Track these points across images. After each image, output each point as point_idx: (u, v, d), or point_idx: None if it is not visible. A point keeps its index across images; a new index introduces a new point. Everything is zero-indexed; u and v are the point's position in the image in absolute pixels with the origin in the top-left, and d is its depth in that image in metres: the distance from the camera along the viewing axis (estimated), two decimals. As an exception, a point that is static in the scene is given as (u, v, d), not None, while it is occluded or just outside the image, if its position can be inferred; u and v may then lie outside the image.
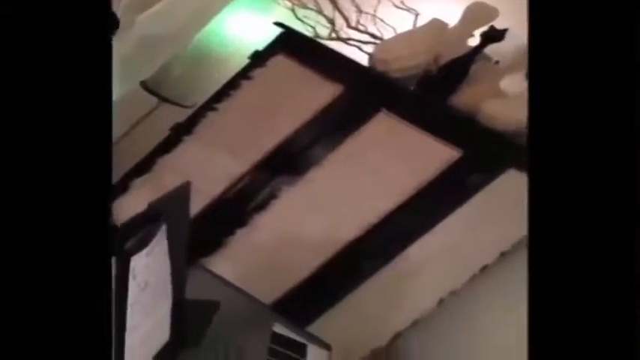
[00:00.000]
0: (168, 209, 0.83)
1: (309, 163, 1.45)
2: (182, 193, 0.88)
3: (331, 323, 1.49)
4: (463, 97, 1.47)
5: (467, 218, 1.47)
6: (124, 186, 1.47)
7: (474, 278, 1.53)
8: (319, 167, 1.45)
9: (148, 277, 0.78)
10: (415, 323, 1.67)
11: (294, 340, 1.19)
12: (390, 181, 1.44)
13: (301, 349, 1.19)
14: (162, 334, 0.89)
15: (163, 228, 0.81)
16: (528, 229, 0.54)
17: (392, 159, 1.42)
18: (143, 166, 1.49)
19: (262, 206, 1.45)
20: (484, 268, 1.50)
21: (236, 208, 1.46)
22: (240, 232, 1.46)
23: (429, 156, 1.40)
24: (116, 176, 1.52)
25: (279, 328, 1.20)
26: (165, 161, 1.48)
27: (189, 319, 0.95)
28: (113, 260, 0.71)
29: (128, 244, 0.72)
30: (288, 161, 1.46)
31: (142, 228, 0.76)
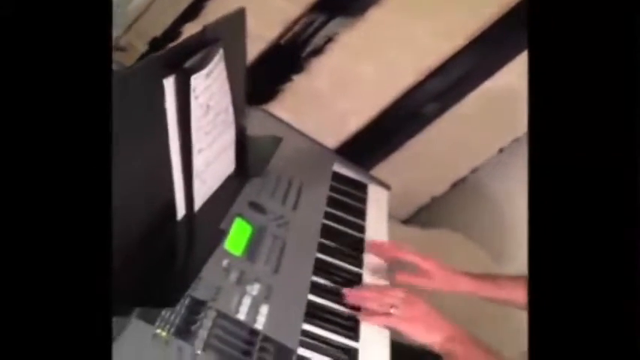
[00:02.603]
0: (224, 33, 0.80)
1: (367, 2, 1.36)
2: (237, 18, 0.85)
3: (391, 169, 1.49)
4: None
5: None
6: (174, 32, 1.44)
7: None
8: (378, 7, 1.36)
9: (209, 101, 0.77)
10: (474, 171, 1.66)
11: (355, 180, 1.20)
12: (453, 21, 1.34)
13: (362, 187, 1.20)
14: (227, 164, 0.91)
15: (221, 52, 0.79)
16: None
17: (457, -5, 1.31)
18: (193, 11, 1.44)
19: (319, 50, 1.40)
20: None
21: (292, 53, 1.41)
22: (297, 79, 1.42)
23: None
24: (166, 23, 1.48)
25: (340, 168, 1.21)
26: (216, 4, 1.42)
27: (252, 151, 0.96)
28: (172, 81, 0.70)
29: (187, 63, 0.71)
30: (345, 1, 1.37)
31: (199, 49, 0.74)
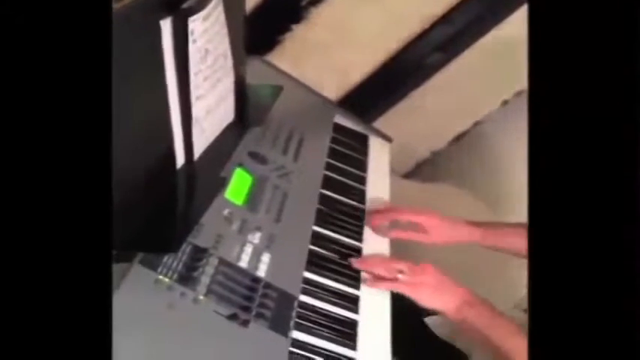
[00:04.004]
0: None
1: (369, -52, 1.32)
2: (236, -40, 0.81)
3: (393, 123, 1.47)
4: None
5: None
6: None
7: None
8: (380, -47, 1.32)
9: (207, 45, 0.75)
10: (476, 125, 1.64)
11: (356, 131, 1.19)
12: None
13: (363, 139, 1.18)
14: (227, 112, 0.89)
15: (219, -5, 0.76)
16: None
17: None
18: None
19: (319, -1, 1.36)
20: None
21: (291, 1, 1.37)
22: (297, 29, 1.39)
23: None
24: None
25: (341, 120, 1.19)
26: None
27: (252, 100, 0.94)
28: (169, 22, 0.68)
29: (184, 5, 0.68)
30: (346, -54, 1.32)
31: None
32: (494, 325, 0.77)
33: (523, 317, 0.90)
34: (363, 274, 0.85)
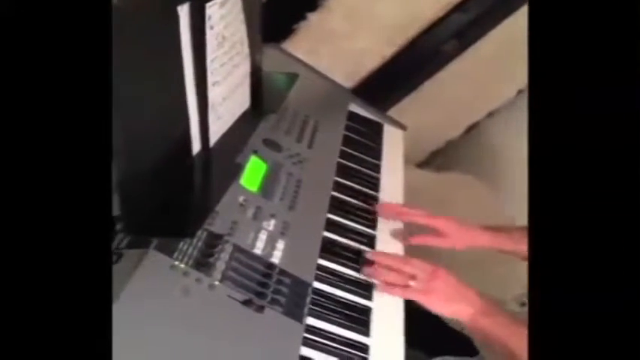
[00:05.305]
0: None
1: None
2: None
3: (407, 111, 1.47)
4: None
5: None
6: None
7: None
8: (397, -61, 1.30)
9: (224, 31, 0.75)
10: (491, 115, 1.63)
11: (371, 119, 1.18)
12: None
13: (377, 127, 1.18)
14: (243, 99, 0.89)
15: (236, -19, 0.76)
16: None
17: None
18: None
19: (335, -14, 1.35)
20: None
21: (306, -11, 1.36)
22: (313, 17, 1.38)
23: None
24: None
25: (356, 108, 1.19)
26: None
27: (268, 87, 0.94)
28: (186, 9, 0.68)
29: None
30: None
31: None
32: (513, 334, 0.75)
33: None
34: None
